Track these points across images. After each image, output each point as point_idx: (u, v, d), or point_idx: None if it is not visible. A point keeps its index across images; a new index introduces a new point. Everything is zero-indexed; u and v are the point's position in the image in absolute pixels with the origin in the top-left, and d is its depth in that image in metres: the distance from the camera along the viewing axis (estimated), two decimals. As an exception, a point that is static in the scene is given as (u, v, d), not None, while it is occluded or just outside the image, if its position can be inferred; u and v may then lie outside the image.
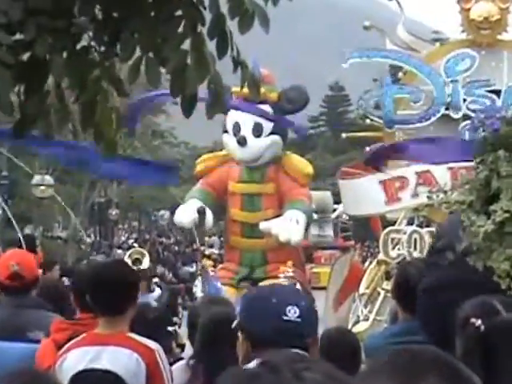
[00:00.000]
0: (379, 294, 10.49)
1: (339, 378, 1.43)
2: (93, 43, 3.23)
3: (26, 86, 3.23)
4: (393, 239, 10.42)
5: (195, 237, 13.51)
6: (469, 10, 10.44)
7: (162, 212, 51.39)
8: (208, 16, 3.12)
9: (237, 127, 12.17)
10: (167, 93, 3.31)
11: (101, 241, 44.67)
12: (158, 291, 14.13)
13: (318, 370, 1.41)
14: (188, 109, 3.22)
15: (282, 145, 12.50)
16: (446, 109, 10.38)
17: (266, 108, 12.10)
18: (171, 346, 7.22)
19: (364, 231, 26.92)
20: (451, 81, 10.38)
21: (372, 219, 12.16)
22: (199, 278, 12.39)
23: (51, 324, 4.46)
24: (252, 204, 12.20)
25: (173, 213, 14.27)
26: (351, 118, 56.24)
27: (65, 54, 3.16)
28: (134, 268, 6.89)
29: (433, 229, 9.57)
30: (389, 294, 8.58)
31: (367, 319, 10.40)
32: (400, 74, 10.71)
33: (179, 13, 3.14)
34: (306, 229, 12.80)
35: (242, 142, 12.03)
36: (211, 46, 3.15)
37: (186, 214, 11.96)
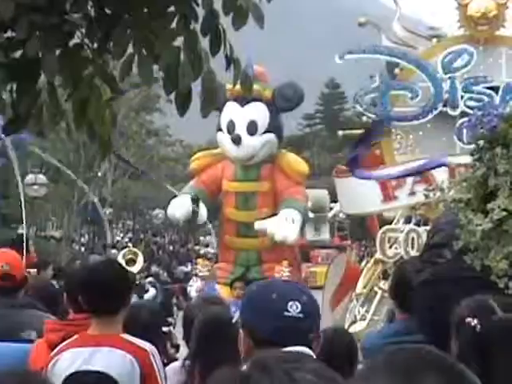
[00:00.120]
0: (376, 293, 10.46)
1: (331, 377, 1.44)
2: (85, 40, 3.20)
3: (18, 84, 3.21)
4: (390, 238, 10.38)
5: (189, 236, 13.56)
6: (466, 5, 10.40)
7: (156, 211, 51.29)
8: (201, 12, 3.09)
9: (231, 125, 12.14)
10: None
11: (95, 240, 44.58)
12: (152, 291, 14.11)
13: (310, 369, 1.41)
14: (182, 107, 3.19)
15: (277, 143, 12.48)
16: (444, 106, 10.33)
17: (260, 106, 12.07)
18: (166, 346, 7.18)
19: (361, 230, 26.92)
20: (449, 77, 10.33)
21: (369, 218, 12.12)
22: (194, 277, 12.37)
23: (44, 324, 4.43)
24: (247, 203, 12.17)
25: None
26: (347, 116, 56.17)
27: (57, 52, 3.13)
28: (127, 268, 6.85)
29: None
30: (386, 294, 8.54)
31: (364, 319, 10.37)
32: (396, 70, 10.64)
33: (172, 9, 3.12)
34: (302, 228, 12.79)
35: (237, 140, 12.00)
36: (205, 43, 3.12)
37: (178, 208, 11.95)
